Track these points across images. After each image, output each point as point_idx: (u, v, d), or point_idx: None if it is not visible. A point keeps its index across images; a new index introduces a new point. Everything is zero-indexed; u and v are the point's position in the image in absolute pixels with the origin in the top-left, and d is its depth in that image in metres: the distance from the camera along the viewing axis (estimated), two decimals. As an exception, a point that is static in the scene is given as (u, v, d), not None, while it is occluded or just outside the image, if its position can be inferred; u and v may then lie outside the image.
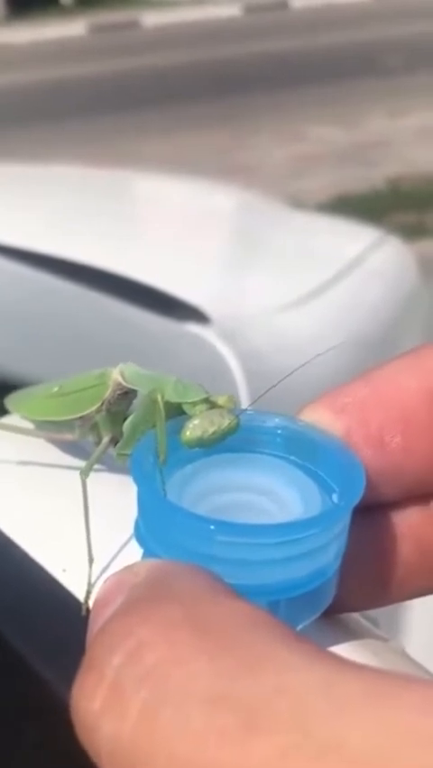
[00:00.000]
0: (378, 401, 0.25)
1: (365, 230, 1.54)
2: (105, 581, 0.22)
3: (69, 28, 8.45)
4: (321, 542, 0.23)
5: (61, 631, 0.27)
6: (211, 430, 0.25)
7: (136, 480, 0.23)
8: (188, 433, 0.25)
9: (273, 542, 0.22)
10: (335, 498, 0.24)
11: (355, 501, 0.23)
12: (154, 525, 0.23)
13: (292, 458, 0.26)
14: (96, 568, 0.27)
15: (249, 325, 1.03)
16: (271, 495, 0.25)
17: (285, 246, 1.37)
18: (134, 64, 6.63)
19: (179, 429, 0.25)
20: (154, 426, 0.26)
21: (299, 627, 0.24)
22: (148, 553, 0.24)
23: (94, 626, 0.21)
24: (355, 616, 0.29)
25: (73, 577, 0.27)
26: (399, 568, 0.26)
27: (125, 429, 0.29)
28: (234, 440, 0.26)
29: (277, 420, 0.26)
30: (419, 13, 7.13)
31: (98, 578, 0.27)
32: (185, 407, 0.27)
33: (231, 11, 8.50)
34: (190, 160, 4.06)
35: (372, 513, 0.25)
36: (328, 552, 0.23)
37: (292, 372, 0.28)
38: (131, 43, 7.60)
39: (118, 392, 0.31)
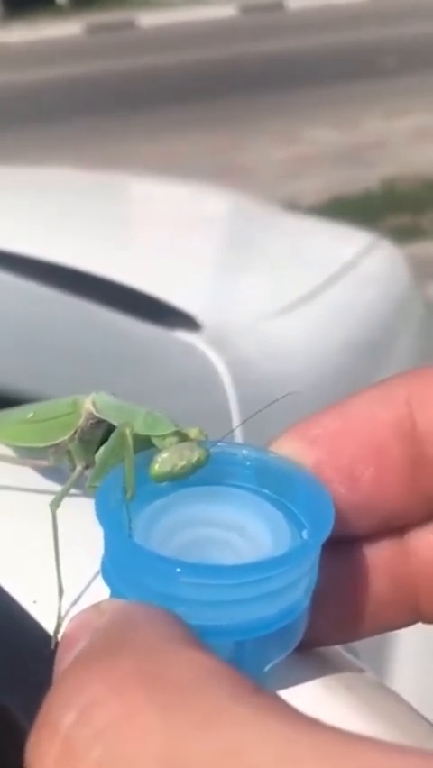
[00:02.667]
0: (349, 433, 0.25)
1: (358, 234, 1.53)
2: (71, 620, 0.22)
3: (65, 28, 8.45)
4: (289, 580, 0.23)
5: (31, 664, 0.26)
6: (180, 464, 0.25)
7: (100, 518, 0.23)
8: (156, 467, 0.25)
9: (239, 582, 0.22)
10: (305, 533, 0.24)
11: (324, 538, 0.23)
12: (119, 564, 0.23)
13: (263, 491, 0.25)
14: (67, 600, 0.27)
15: (240, 332, 1.02)
16: (241, 530, 0.24)
17: (277, 250, 1.36)
18: (130, 64, 6.62)
19: (148, 462, 0.25)
20: (123, 460, 0.25)
21: (269, 666, 0.24)
22: (114, 592, 0.23)
23: (59, 665, 0.21)
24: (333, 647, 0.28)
25: (44, 609, 0.27)
26: (371, 602, 0.26)
27: (97, 460, 0.29)
28: (205, 472, 0.25)
29: (246, 452, 0.26)
30: (416, 14, 7.13)
31: (68, 611, 0.27)
32: (154, 441, 0.26)
33: (227, 11, 8.50)
34: (185, 161, 4.06)
35: (343, 546, 0.25)
36: (297, 589, 0.23)
37: (263, 408, 0.28)
38: (127, 44, 7.60)
39: (91, 421, 0.31)
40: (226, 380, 0.91)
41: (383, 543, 0.26)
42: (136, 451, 0.26)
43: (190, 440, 0.26)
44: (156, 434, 0.26)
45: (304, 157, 4.40)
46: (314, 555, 0.23)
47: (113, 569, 0.23)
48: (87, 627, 0.21)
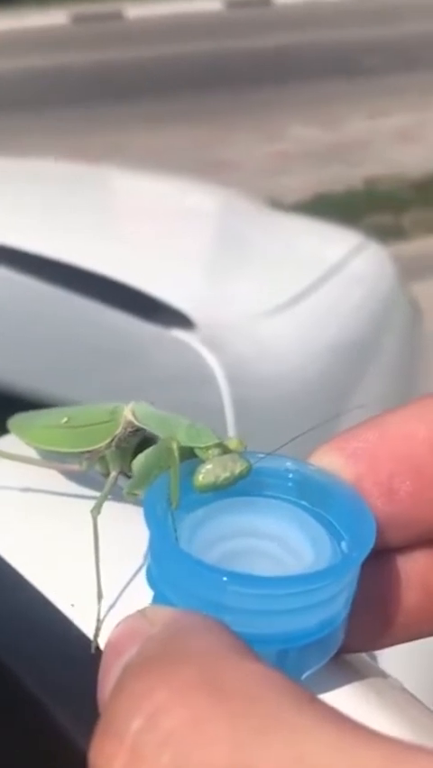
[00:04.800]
0: (388, 449, 0.26)
1: (347, 234, 1.54)
2: (117, 625, 0.22)
3: (51, 17, 8.39)
4: (332, 592, 0.23)
5: (70, 667, 0.27)
6: (224, 476, 0.25)
7: (149, 526, 0.24)
8: (201, 478, 0.25)
9: (285, 593, 0.23)
10: (344, 545, 0.24)
11: (367, 552, 0.23)
12: (167, 571, 0.24)
13: (303, 502, 0.26)
14: (105, 603, 0.27)
15: (233, 331, 1.03)
16: (282, 541, 0.25)
17: (268, 249, 1.37)
18: (116, 56, 6.60)
19: (191, 472, 0.26)
20: (166, 470, 0.26)
21: (308, 673, 0.24)
22: (159, 597, 0.24)
23: (106, 672, 0.21)
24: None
25: (82, 612, 0.27)
26: (404, 611, 0.26)
27: (136, 469, 0.29)
28: (246, 483, 0.26)
29: (288, 464, 0.26)
30: (401, 14, 7.15)
31: (107, 614, 0.27)
32: (197, 452, 0.27)
33: (214, 5, 8.48)
34: (168, 154, 4.06)
35: (378, 557, 0.26)
36: (338, 601, 0.24)
37: (304, 433, 0.28)
38: (113, 35, 7.56)
39: (129, 430, 0.31)
40: (221, 379, 0.92)
41: (417, 554, 0.26)
42: (179, 461, 0.26)
43: (231, 451, 0.26)
44: (199, 445, 0.27)
45: (287, 154, 4.40)
46: (356, 569, 0.24)
47: (159, 575, 0.24)
48: (138, 635, 0.21)
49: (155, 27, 7.61)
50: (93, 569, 0.27)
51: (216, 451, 0.26)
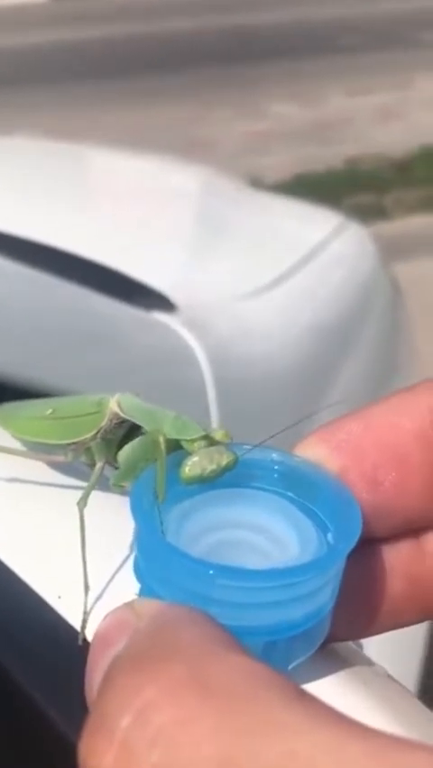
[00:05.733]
0: (372, 440, 0.26)
1: (328, 214, 1.54)
2: (104, 617, 0.22)
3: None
4: (318, 584, 0.23)
5: (57, 658, 0.27)
6: (210, 468, 0.25)
7: (136, 519, 0.24)
8: (187, 470, 0.25)
9: (272, 585, 0.23)
10: (330, 537, 0.25)
11: (352, 545, 0.24)
12: (154, 564, 0.24)
13: (289, 494, 0.26)
14: (92, 595, 0.27)
15: (215, 313, 1.02)
16: (268, 533, 0.25)
17: (249, 229, 1.36)
18: (95, 33, 6.55)
19: (177, 464, 0.26)
20: (152, 462, 0.26)
21: (295, 663, 0.25)
22: (146, 589, 0.24)
23: (94, 665, 0.21)
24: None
25: (69, 604, 0.27)
26: (389, 600, 0.26)
27: (122, 461, 0.29)
28: (232, 475, 0.26)
29: (274, 455, 0.26)
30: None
31: (94, 605, 0.27)
32: (183, 444, 0.27)
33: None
34: (147, 132, 4.04)
35: (363, 546, 0.26)
36: (325, 592, 0.24)
37: (288, 428, 0.28)
38: (92, 12, 7.50)
39: (115, 421, 0.31)
40: (203, 361, 0.92)
41: (401, 544, 0.27)
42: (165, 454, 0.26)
43: (217, 442, 0.26)
44: (186, 437, 0.27)
45: (267, 132, 4.39)
46: (342, 561, 0.24)
47: (146, 567, 0.24)
48: (124, 628, 0.21)
49: (134, 4, 7.55)
50: (80, 560, 0.27)
51: (203, 443, 0.26)
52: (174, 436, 0.27)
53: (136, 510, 0.24)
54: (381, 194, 3.65)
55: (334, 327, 1.21)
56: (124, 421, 0.31)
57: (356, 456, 0.26)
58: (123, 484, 0.29)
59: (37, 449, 0.34)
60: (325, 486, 0.25)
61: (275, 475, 0.26)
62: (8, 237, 1.00)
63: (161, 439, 0.26)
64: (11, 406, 0.36)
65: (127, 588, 0.25)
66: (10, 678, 0.27)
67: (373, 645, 0.36)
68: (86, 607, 0.27)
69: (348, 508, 0.24)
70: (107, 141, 2.85)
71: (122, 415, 0.31)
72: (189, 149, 3.69)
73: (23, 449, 0.34)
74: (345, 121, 4.56)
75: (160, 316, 0.95)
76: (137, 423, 0.30)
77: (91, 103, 4.75)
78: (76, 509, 0.28)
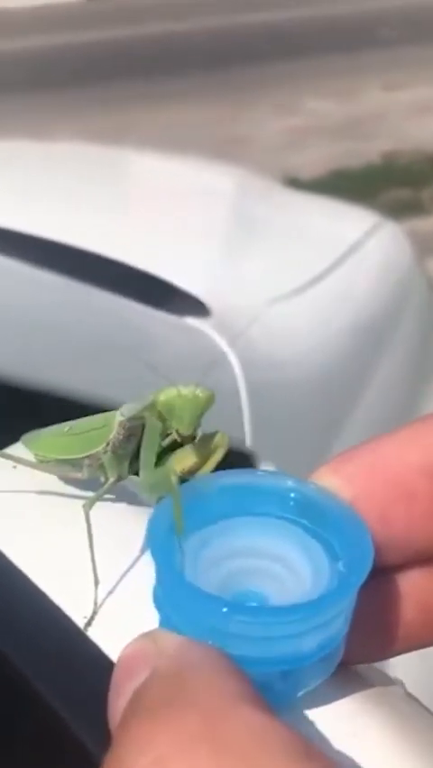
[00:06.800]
0: (381, 474, 0.26)
1: (363, 213, 1.53)
2: (126, 647, 0.23)
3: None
4: (331, 615, 0.24)
5: (69, 657, 0.28)
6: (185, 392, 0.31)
7: (154, 555, 0.24)
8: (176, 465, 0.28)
9: (287, 621, 0.23)
10: (341, 565, 0.25)
11: (364, 577, 0.24)
12: (172, 597, 0.24)
13: (303, 521, 0.27)
14: (102, 588, 0.29)
15: (247, 317, 1.02)
16: (283, 561, 0.26)
17: (283, 231, 1.36)
18: (131, 33, 6.57)
19: (193, 494, 0.26)
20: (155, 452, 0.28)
21: (311, 687, 0.25)
22: (165, 620, 0.25)
23: (118, 694, 0.22)
24: None
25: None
26: (402, 625, 0.27)
27: (141, 463, 0.32)
28: (249, 502, 0.27)
29: (290, 482, 0.27)
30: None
31: (102, 602, 0.29)
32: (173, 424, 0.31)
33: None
34: (184, 131, 4.04)
35: (376, 574, 0.26)
36: (338, 621, 0.25)
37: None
38: (128, 11, 7.52)
39: (123, 433, 0.33)
40: (235, 366, 0.92)
41: (414, 572, 0.27)
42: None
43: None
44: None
45: (303, 129, 4.38)
46: (354, 592, 0.24)
47: (165, 599, 0.24)
48: (145, 660, 0.22)
49: (170, 3, 7.56)
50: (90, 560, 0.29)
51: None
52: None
53: (154, 546, 0.24)
54: (418, 189, 3.62)
55: (368, 328, 1.21)
56: (131, 435, 0.33)
57: (366, 489, 0.26)
58: (149, 480, 0.32)
59: (58, 466, 0.36)
60: (338, 515, 0.26)
61: (291, 503, 0.27)
62: (43, 242, 1.01)
63: (173, 477, 0.27)
64: (34, 432, 0.38)
65: (128, 586, 0.27)
66: (20, 675, 0.28)
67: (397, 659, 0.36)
68: (95, 600, 0.29)
69: (360, 539, 0.25)
70: (145, 139, 2.87)
71: (123, 420, 0.33)
72: (226, 146, 3.70)
73: (46, 466, 0.37)
74: (381, 116, 4.53)
75: (193, 321, 0.95)
76: (137, 417, 0.32)
77: (127, 103, 4.77)
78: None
